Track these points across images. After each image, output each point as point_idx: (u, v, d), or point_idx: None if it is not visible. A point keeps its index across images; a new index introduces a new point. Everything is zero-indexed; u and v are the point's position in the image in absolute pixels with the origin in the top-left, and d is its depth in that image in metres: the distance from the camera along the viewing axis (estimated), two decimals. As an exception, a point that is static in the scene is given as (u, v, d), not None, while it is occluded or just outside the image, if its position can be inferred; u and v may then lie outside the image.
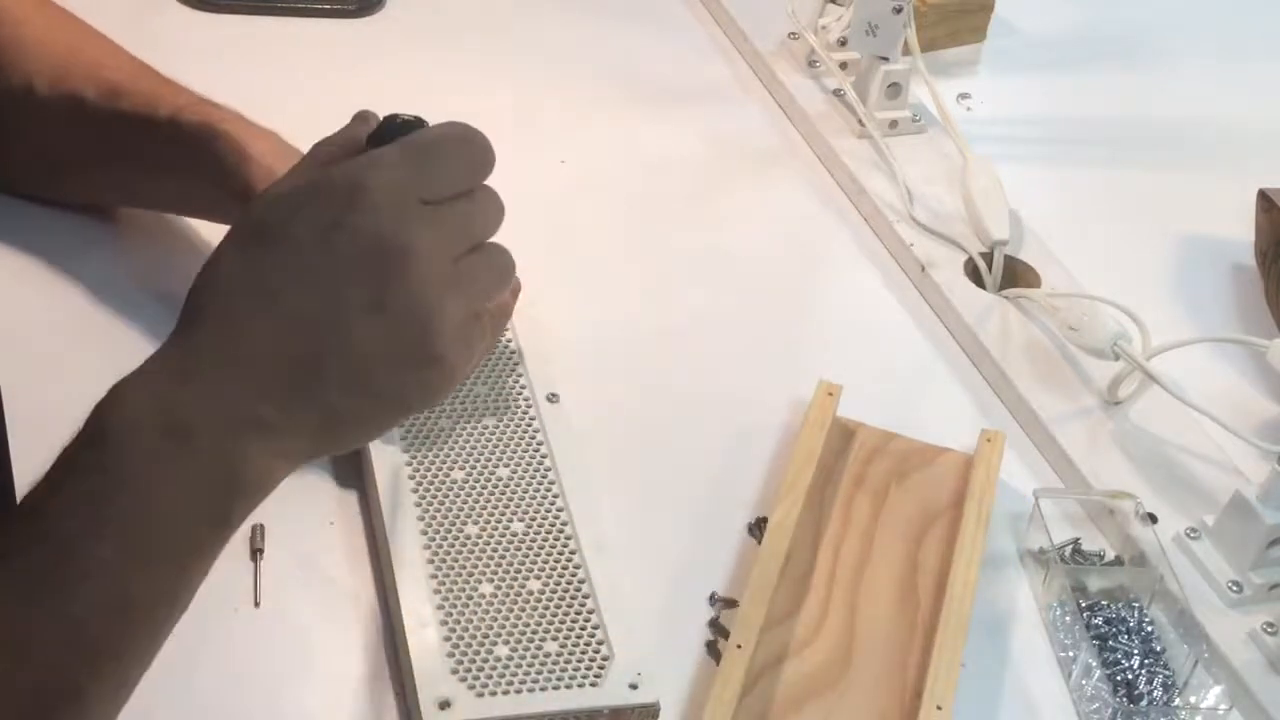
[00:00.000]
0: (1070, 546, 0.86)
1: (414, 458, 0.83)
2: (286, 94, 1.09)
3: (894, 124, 1.16)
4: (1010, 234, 1.06)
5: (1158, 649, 0.81)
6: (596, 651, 0.74)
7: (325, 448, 0.64)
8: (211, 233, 0.96)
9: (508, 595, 0.77)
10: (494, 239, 0.68)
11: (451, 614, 0.75)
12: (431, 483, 0.82)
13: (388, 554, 0.78)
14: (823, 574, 0.83)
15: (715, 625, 0.80)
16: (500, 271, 0.67)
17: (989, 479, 0.87)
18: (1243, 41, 1.38)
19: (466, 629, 0.75)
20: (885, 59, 1.15)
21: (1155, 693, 0.79)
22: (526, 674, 0.73)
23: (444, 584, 0.77)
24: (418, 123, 0.66)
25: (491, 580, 0.77)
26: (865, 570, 0.83)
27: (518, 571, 0.78)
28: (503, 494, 0.82)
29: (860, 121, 1.15)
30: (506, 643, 0.74)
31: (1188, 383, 0.93)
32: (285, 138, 0.89)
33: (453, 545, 0.79)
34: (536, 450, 0.85)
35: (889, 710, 0.76)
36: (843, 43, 1.21)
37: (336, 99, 1.10)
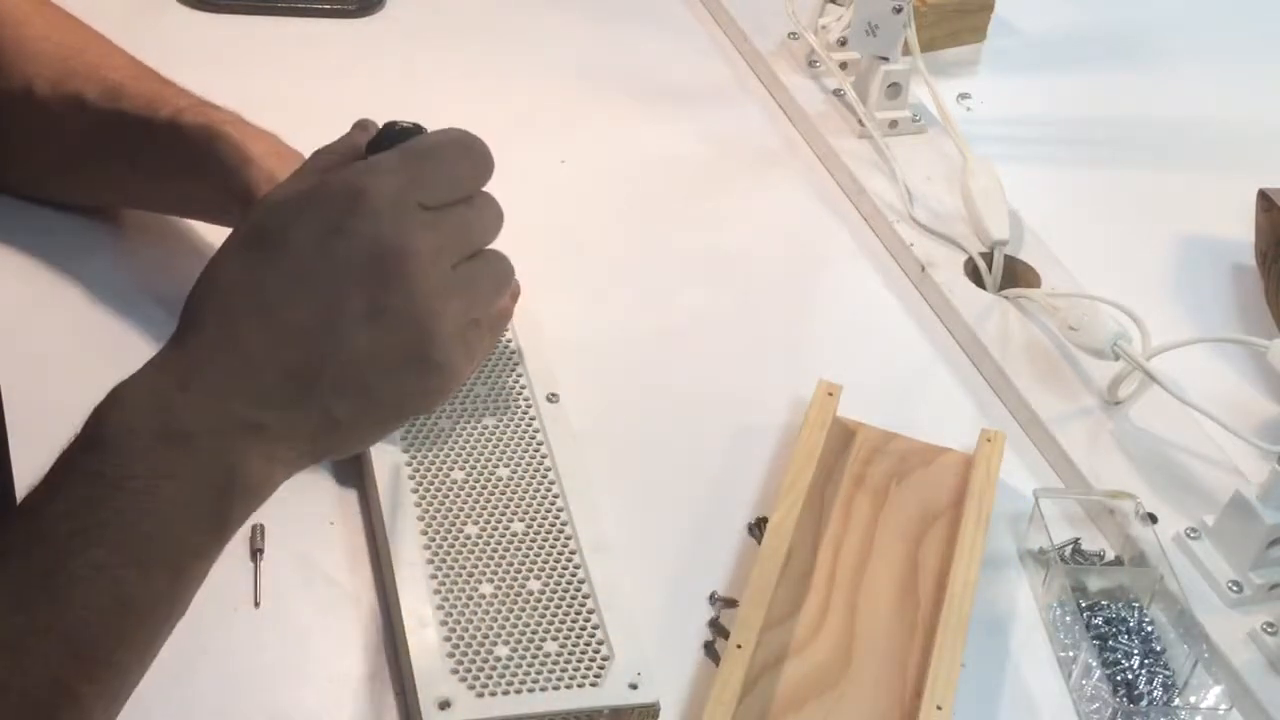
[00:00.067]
0: (1070, 546, 0.86)
1: (414, 458, 0.83)
2: (286, 94, 1.09)
3: (894, 124, 1.16)
4: (1010, 234, 1.06)
5: (1158, 649, 0.81)
6: (596, 651, 0.74)
7: (324, 453, 0.64)
8: (212, 234, 0.96)
9: (508, 595, 0.77)
10: (493, 244, 0.68)
11: (451, 614, 0.75)
12: (431, 483, 0.82)
13: (388, 554, 0.78)
14: (823, 574, 0.83)
15: (715, 625, 0.80)
16: (499, 278, 0.67)
17: (989, 479, 0.87)
18: (1243, 41, 1.38)
19: (466, 629, 0.75)
20: (885, 59, 1.15)
21: (1155, 693, 0.79)
22: (526, 674, 0.73)
23: (444, 584, 0.77)
24: (416, 130, 0.66)
25: (491, 580, 0.77)
26: (865, 570, 0.83)
27: (518, 571, 0.78)
28: (503, 494, 0.82)
29: (860, 121, 1.15)
30: (506, 643, 0.74)
31: (1188, 383, 0.93)
32: (285, 138, 0.89)
33: (453, 545, 0.79)
34: (536, 450, 0.85)
35: (889, 710, 0.76)
36: (843, 43, 1.21)
37: (336, 99, 1.11)
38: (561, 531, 0.80)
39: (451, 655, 0.73)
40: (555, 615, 0.76)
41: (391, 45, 1.22)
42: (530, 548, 0.79)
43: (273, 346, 0.62)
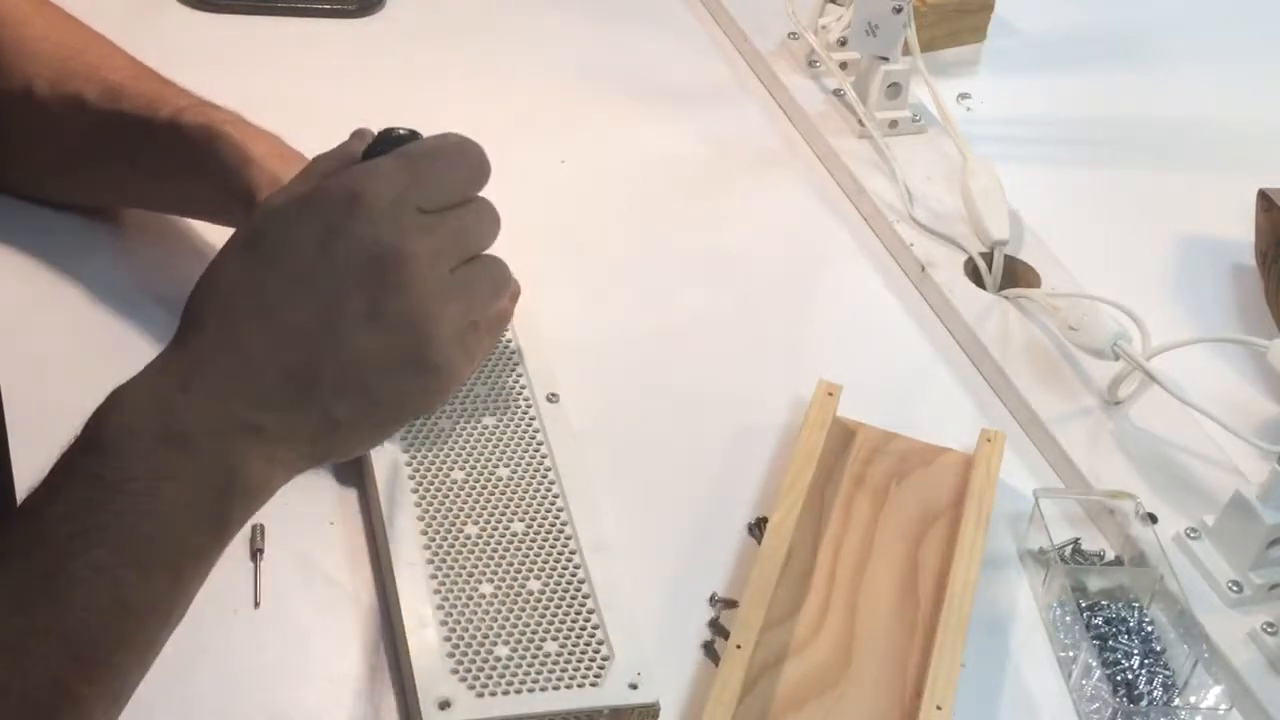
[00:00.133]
0: (1070, 546, 0.86)
1: (414, 458, 0.83)
2: (286, 94, 1.09)
3: (894, 124, 1.16)
4: (1010, 234, 1.06)
5: (1158, 649, 0.81)
6: (596, 651, 0.74)
7: (324, 455, 0.64)
8: (212, 234, 0.96)
9: (508, 595, 0.77)
10: (493, 245, 0.68)
11: (451, 614, 0.75)
12: (431, 483, 0.82)
13: (388, 554, 0.78)
14: (823, 574, 0.83)
15: (715, 625, 0.80)
16: (496, 282, 0.67)
17: (989, 479, 0.87)
18: (1243, 41, 1.38)
19: (466, 629, 0.75)
20: (885, 59, 1.15)
21: (1155, 693, 0.79)
22: (526, 674, 0.73)
23: (444, 584, 0.77)
24: (412, 136, 0.67)
25: (491, 580, 0.77)
26: (865, 570, 0.83)
27: (518, 571, 0.78)
28: (503, 494, 0.82)
29: (860, 121, 1.15)
30: (506, 643, 0.74)
31: (1188, 383, 0.93)
32: (286, 138, 0.90)
33: (453, 545, 0.79)
34: (536, 450, 0.85)
35: (889, 710, 0.76)
36: (843, 43, 1.21)
37: (336, 99, 1.11)
38: (561, 531, 0.80)
39: (451, 655, 0.73)
40: (555, 615, 0.76)
41: (391, 45, 1.22)
42: (530, 548, 0.79)
43: (273, 348, 0.62)
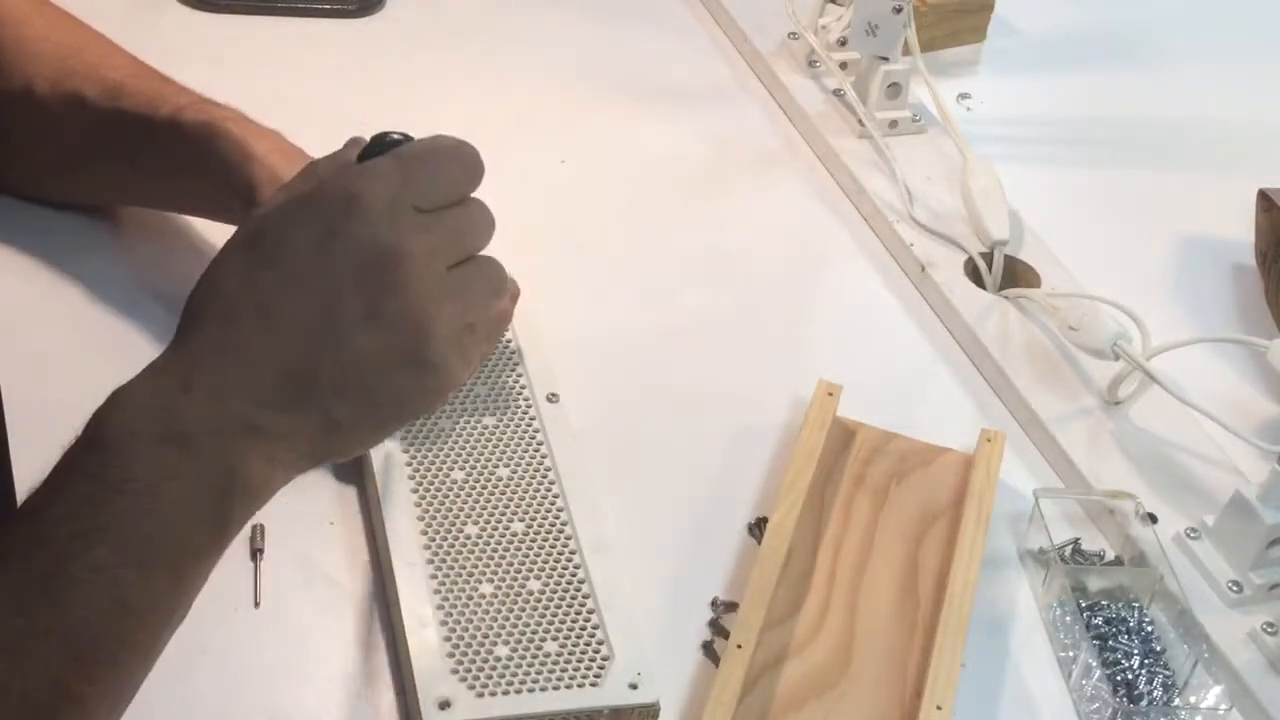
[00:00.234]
0: (1070, 546, 0.86)
1: (414, 458, 0.83)
2: (286, 94, 1.09)
3: (894, 124, 1.16)
4: (1010, 234, 1.06)
5: (1158, 649, 0.81)
6: (596, 651, 0.74)
7: (324, 455, 0.64)
8: (212, 233, 0.96)
9: (508, 595, 0.77)
10: (488, 250, 0.68)
11: (451, 614, 0.75)
12: (431, 482, 0.82)
13: (388, 554, 0.78)
14: (823, 574, 0.83)
15: (714, 625, 0.80)
16: (492, 283, 0.67)
17: (989, 479, 0.87)
18: (1243, 41, 1.38)
19: (466, 629, 0.75)
20: (885, 59, 1.15)
21: (1155, 693, 0.79)
22: (526, 674, 0.73)
23: (444, 584, 0.77)
24: (406, 140, 0.67)
25: (491, 580, 0.77)
26: (865, 570, 0.83)
27: (518, 571, 0.78)
28: (503, 494, 0.82)
29: (860, 121, 1.15)
30: (506, 643, 0.74)
31: (1188, 383, 0.93)
32: (286, 137, 0.89)
33: (453, 545, 0.79)
34: (536, 450, 0.85)
35: (889, 710, 0.76)
36: (843, 43, 1.21)
37: (336, 99, 1.11)
38: (561, 531, 0.80)
39: (451, 655, 0.73)
40: (555, 615, 0.76)
41: (391, 45, 1.22)
42: (530, 548, 0.79)
43: (273, 348, 0.62)
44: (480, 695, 0.72)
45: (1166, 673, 0.80)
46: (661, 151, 1.15)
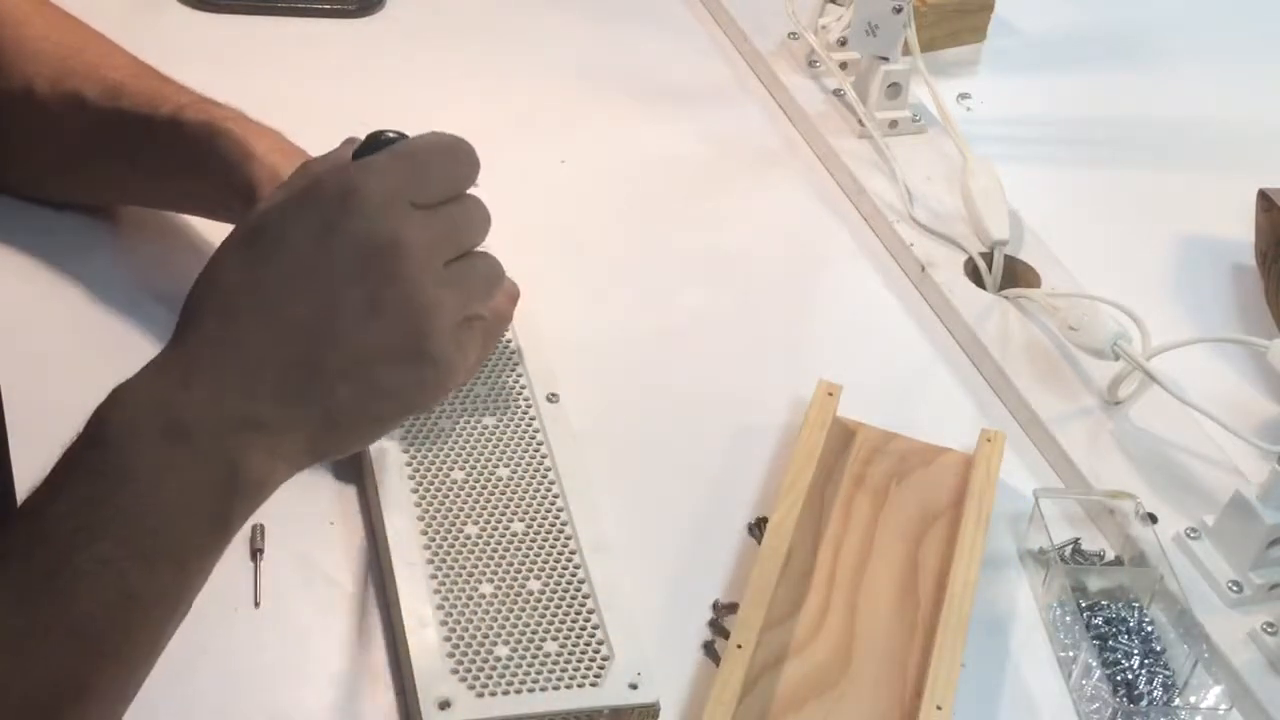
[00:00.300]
0: (1070, 546, 0.86)
1: (414, 457, 0.83)
2: (286, 94, 1.09)
3: (894, 124, 1.16)
4: (1010, 234, 1.06)
5: (1158, 649, 0.81)
6: (596, 651, 0.74)
7: (325, 450, 0.64)
8: (211, 232, 0.96)
9: (508, 595, 0.77)
10: (489, 248, 0.69)
11: (451, 614, 0.75)
12: (431, 482, 0.82)
13: (388, 554, 0.78)
14: (823, 574, 0.83)
15: (715, 625, 0.80)
16: (489, 278, 0.67)
17: (989, 479, 0.87)
18: (1243, 41, 1.38)
19: (466, 629, 0.75)
20: (885, 59, 1.15)
21: (1155, 693, 0.79)
22: (526, 674, 0.73)
23: (444, 584, 0.77)
24: (400, 138, 0.67)
25: (491, 580, 0.77)
26: (865, 570, 0.83)
27: (518, 571, 0.78)
28: (503, 494, 0.82)
29: (860, 121, 1.15)
30: (506, 643, 0.74)
31: (1188, 383, 0.93)
32: (286, 137, 0.89)
33: (453, 545, 0.79)
34: (536, 450, 0.85)
35: (889, 710, 0.76)
36: (843, 43, 1.21)
37: (336, 99, 1.11)
38: (561, 531, 0.80)
39: (451, 655, 0.73)
40: (555, 615, 0.76)
41: (391, 45, 1.22)
42: (530, 548, 0.79)
43: (273, 343, 0.62)
44: (480, 695, 0.72)
45: (1166, 673, 0.80)
46: (661, 151, 1.15)
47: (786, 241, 1.10)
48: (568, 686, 0.73)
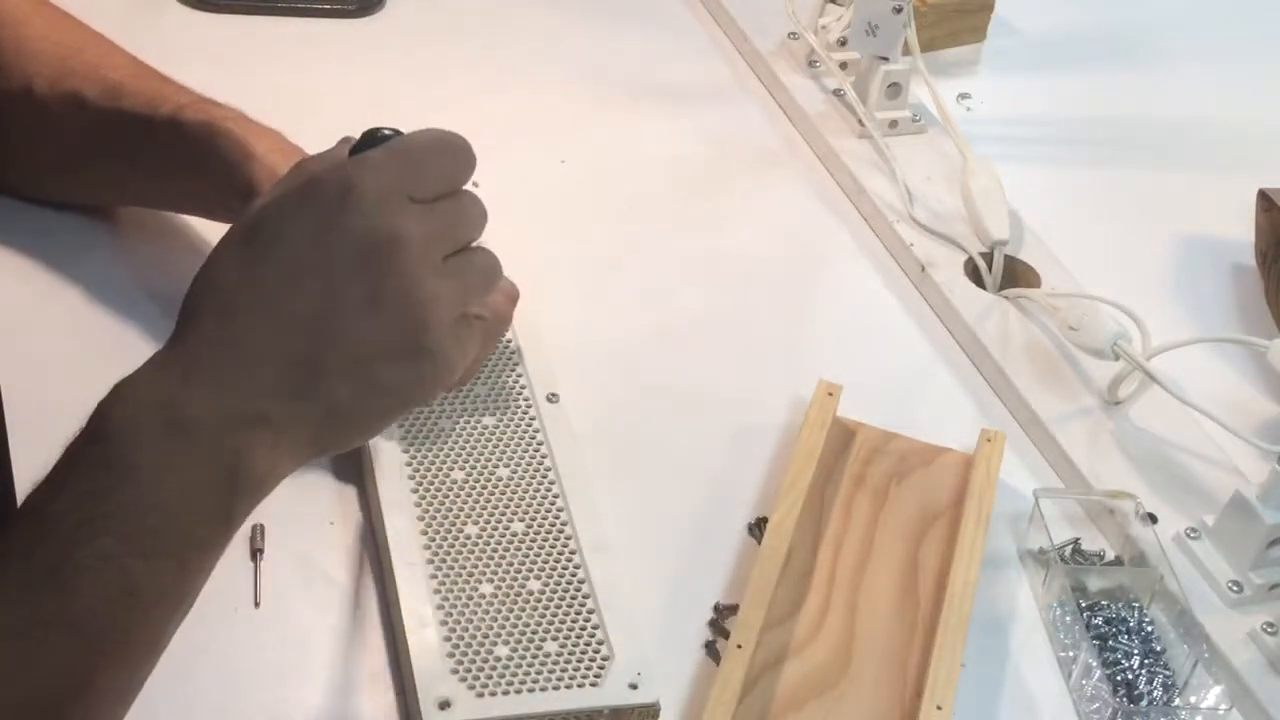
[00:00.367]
0: (1070, 546, 0.86)
1: (414, 457, 0.83)
2: (286, 94, 1.09)
3: (894, 124, 1.16)
4: (1010, 234, 1.06)
5: (1158, 649, 0.81)
6: (596, 651, 0.74)
7: (326, 444, 0.65)
8: (212, 232, 0.96)
9: (508, 595, 0.77)
10: (489, 244, 0.69)
11: (451, 614, 0.75)
12: (431, 482, 0.82)
13: (388, 554, 0.78)
14: (823, 574, 0.83)
15: (715, 625, 0.80)
16: (487, 273, 0.67)
17: (989, 479, 0.87)
18: (1243, 41, 1.38)
19: (466, 629, 0.75)
20: (885, 59, 1.15)
21: (1155, 693, 0.79)
22: (526, 674, 0.73)
23: (444, 584, 0.77)
24: (396, 135, 0.67)
25: (491, 580, 0.77)
26: (865, 570, 0.83)
27: (518, 571, 0.78)
28: (503, 494, 0.82)
29: (860, 121, 1.15)
30: (506, 643, 0.74)
31: (1188, 383, 0.93)
32: (286, 137, 0.89)
33: (453, 545, 0.79)
34: (536, 450, 0.85)
35: (889, 710, 0.76)
36: (843, 43, 1.21)
37: (336, 99, 1.11)
38: (561, 531, 0.80)
39: (451, 655, 0.73)
40: (555, 615, 0.76)
41: (391, 45, 1.22)
42: (530, 548, 0.79)
43: (273, 339, 0.62)
44: (480, 695, 0.72)
45: (1166, 673, 0.80)
46: (661, 151, 1.15)
47: (786, 241, 1.10)
48: (568, 686, 0.73)
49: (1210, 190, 1.18)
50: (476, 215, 0.67)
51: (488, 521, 0.80)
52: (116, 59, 0.95)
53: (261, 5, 1.22)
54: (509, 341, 0.90)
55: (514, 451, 0.84)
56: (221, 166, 0.86)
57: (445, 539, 0.79)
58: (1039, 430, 0.94)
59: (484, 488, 0.82)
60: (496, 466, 0.83)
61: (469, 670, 0.73)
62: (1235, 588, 0.84)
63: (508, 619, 0.75)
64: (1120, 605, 0.83)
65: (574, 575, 0.78)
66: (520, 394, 0.88)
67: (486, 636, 0.74)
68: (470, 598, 0.76)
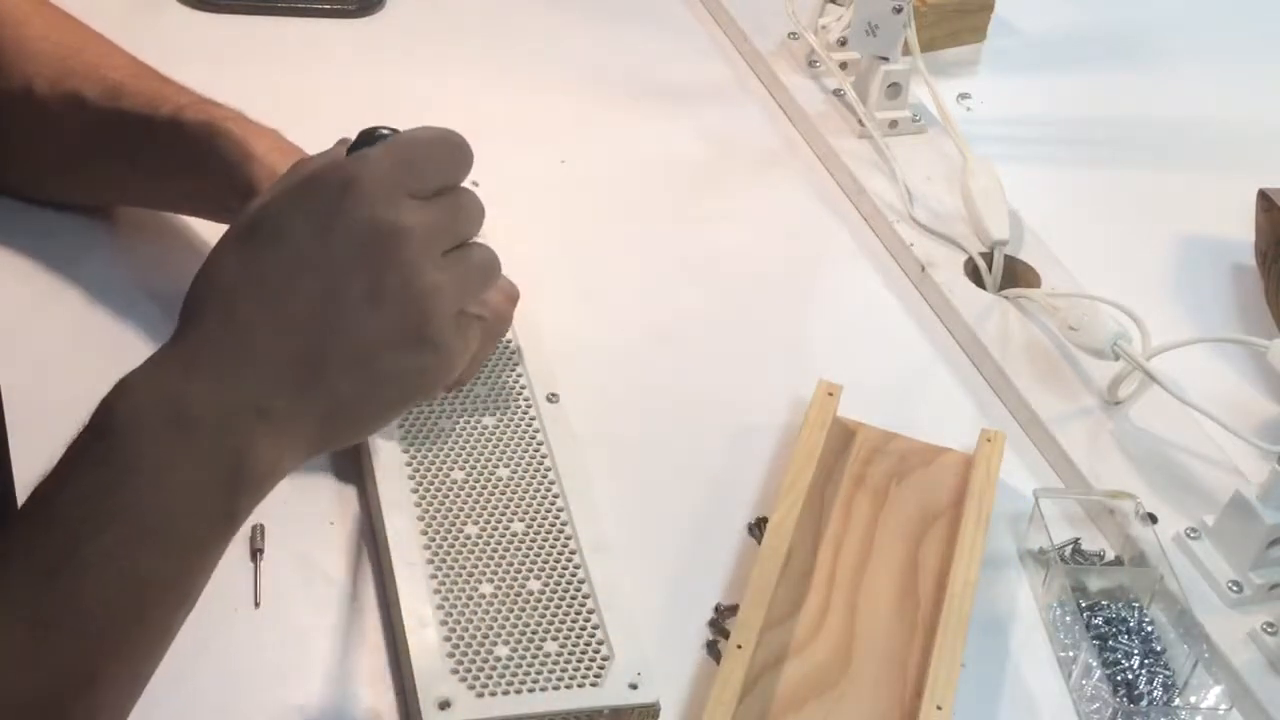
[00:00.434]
0: (1070, 546, 0.86)
1: (414, 457, 0.83)
2: (286, 94, 1.09)
3: (894, 124, 1.16)
4: (1010, 234, 1.06)
5: (1158, 649, 0.81)
6: (596, 651, 0.74)
7: (329, 439, 0.65)
8: (211, 232, 0.96)
9: (508, 595, 0.77)
10: (489, 244, 0.69)
11: (451, 614, 0.75)
12: (431, 482, 0.82)
13: (388, 554, 0.78)
14: (823, 574, 0.83)
15: (715, 625, 0.80)
16: (487, 268, 0.68)
17: (989, 479, 0.87)
18: (1243, 41, 1.38)
19: (466, 629, 0.75)
20: (885, 59, 1.15)
21: (1155, 693, 0.79)
22: (526, 674, 0.73)
23: (444, 584, 0.77)
24: (394, 134, 0.68)
25: (491, 580, 0.77)
26: (865, 570, 0.83)
27: (518, 571, 0.78)
28: (503, 494, 0.82)
29: (860, 121, 1.15)
30: (506, 643, 0.74)
31: (1188, 383, 0.93)
32: (285, 137, 0.89)
33: (453, 545, 0.79)
34: (536, 450, 0.85)
35: (889, 710, 0.76)
36: (843, 43, 1.21)
37: (336, 99, 1.11)
38: (561, 531, 0.80)
39: (451, 655, 0.73)
40: (555, 615, 0.76)
41: (391, 45, 1.22)
42: (530, 548, 0.79)
43: (276, 334, 0.62)
44: (480, 695, 0.72)
45: (1166, 673, 0.80)
46: (661, 151, 1.15)
47: (786, 241, 1.10)
48: (568, 686, 0.73)
49: (1210, 190, 1.18)
50: (475, 211, 0.68)
51: (488, 521, 0.80)
52: (116, 59, 0.95)
53: (261, 5, 1.22)
54: (509, 341, 0.90)
55: (514, 451, 0.84)
56: (221, 166, 0.86)
57: (445, 539, 0.79)
58: (1039, 430, 0.94)
59: (484, 488, 0.82)
60: (496, 466, 0.83)
61: (469, 670, 0.73)
62: (1235, 588, 0.84)
63: (508, 619, 0.75)
64: (1120, 605, 0.83)
65: (574, 575, 0.78)
66: (520, 394, 0.88)
67: (486, 636, 0.74)
68: (470, 598, 0.76)
